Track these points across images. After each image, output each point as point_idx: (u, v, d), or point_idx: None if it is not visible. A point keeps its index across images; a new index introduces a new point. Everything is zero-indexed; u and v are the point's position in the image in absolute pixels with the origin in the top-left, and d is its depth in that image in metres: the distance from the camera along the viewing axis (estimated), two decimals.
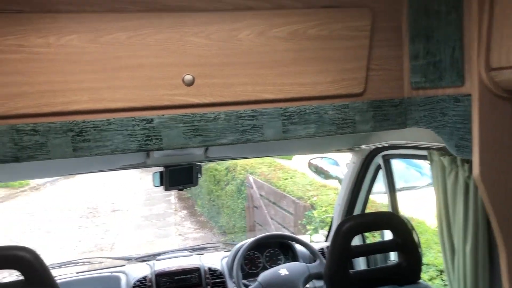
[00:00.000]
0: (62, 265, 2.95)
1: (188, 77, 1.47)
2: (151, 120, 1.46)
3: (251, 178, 8.80)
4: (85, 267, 2.99)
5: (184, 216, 11.17)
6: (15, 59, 1.32)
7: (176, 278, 2.65)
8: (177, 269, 2.70)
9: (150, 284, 2.61)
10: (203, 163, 2.52)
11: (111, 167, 2.18)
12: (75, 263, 2.97)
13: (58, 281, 2.67)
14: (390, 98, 1.67)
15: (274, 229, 7.67)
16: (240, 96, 1.52)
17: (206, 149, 2.13)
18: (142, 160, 2.14)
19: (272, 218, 8.00)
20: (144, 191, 13.24)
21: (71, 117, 1.40)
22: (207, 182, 10.61)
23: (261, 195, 8.42)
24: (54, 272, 2.94)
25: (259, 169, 8.99)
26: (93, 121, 1.41)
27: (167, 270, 2.70)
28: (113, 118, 1.43)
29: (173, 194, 12.75)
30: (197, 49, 1.46)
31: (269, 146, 2.21)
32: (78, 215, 11.50)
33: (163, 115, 1.47)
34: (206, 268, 2.75)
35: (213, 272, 2.75)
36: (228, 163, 9.73)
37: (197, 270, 2.72)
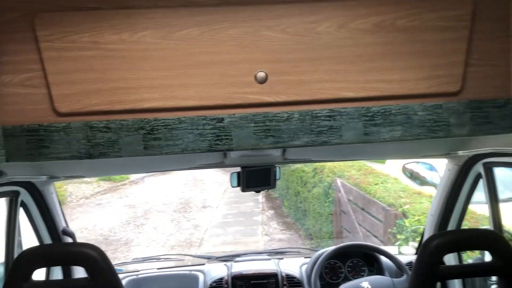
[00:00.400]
0: (145, 260, 3.04)
1: (261, 74, 1.38)
2: (221, 119, 1.40)
3: (339, 181, 8.54)
4: (167, 263, 3.05)
5: (271, 216, 11.19)
6: (90, 56, 1.33)
7: (252, 282, 2.59)
8: (254, 273, 2.63)
9: (226, 286, 2.58)
10: (282, 165, 2.42)
11: (189, 166, 2.17)
12: (157, 258, 3.04)
13: (139, 276, 2.75)
14: (493, 98, 1.43)
15: (361, 236, 7.36)
16: (316, 94, 1.40)
17: (284, 151, 2.03)
18: (219, 160, 2.10)
19: (360, 225, 7.69)
20: (233, 189, 13.48)
21: (142, 115, 1.38)
22: (294, 184, 10.52)
23: (349, 200, 8.13)
24: (137, 266, 3.05)
25: (348, 172, 8.69)
26: (164, 119, 1.38)
27: (244, 273, 2.65)
28: (184, 117, 1.39)
29: (261, 194, 12.82)
30: (272, 44, 1.37)
31: (353, 149, 2.05)
32: (172, 209, 12.04)
33: (234, 114, 1.40)
34: (283, 274, 2.66)
35: (290, 279, 2.64)
36: (316, 164, 9.55)
37: (274, 275, 2.63)
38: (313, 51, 1.38)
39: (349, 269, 2.77)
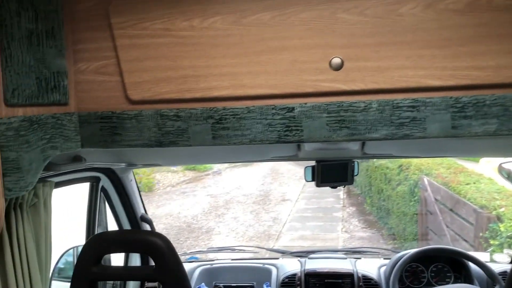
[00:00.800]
0: (220, 249, 3.06)
1: (336, 60, 1.28)
2: (292, 109, 1.32)
3: (425, 179, 8.06)
4: (241, 255, 3.04)
5: (352, 213, 10.90)
6: (161, 43, 1.32)
7: (326, 281, 2.49)
8: (328, 271, 2.53)
9: (298, 282, 2.51)
10: (361, 160, 2.28)
11: (261, 158, 2.12)
12: (231, 249, 3.05)
13: (214, 265, 2.77)
14: None
15: (449, 239, 6.89)
16: (397, 83, 1.27)
17: (363, 145, 1.90)
18: (293, 153, 2.02)
19: (447, 227, 7.20)
20: (313, 183, 13.33)
21: (211, 104, 1.35)
22: (378, 181, 10.12)
23: (436, 200, 7.64)
24: (211, 256, 3.09)
25: (436, 170, 8.16)
26: (233, 108, 1.33)
27: (318, 270, 2.56)
28: (253, 106, 1.33)
29: (342, 189, 12.55)
30: (348, 28, 1.26)
31: (439, 145, 1.86)
32: (251, 200, 12.20)
33: (305, 103, 1.31)
34: (360, 275, 2.52)
35: (367, 281, 2.50)
36: (402, 161, 9.09)
37: (350, 275, 2.51)
38: (394, 35, 1.25)
39: (433, 274, 2.56)
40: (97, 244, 1.48)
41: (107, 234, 1.64)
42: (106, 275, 1.51)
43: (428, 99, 1.27)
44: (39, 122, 1.26)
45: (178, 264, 1.45)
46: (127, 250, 1.60)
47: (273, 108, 1.32)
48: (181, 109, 1.35)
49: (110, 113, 1.37)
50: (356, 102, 1.30)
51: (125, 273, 1.55)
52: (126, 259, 2.51)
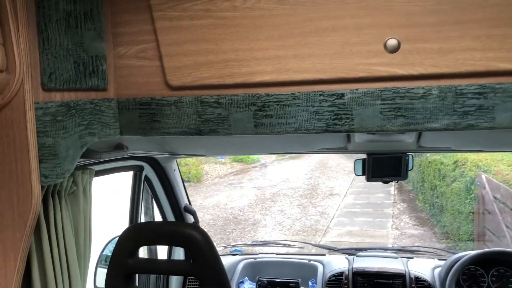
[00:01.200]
0: (265, 243, 2.99)
1: (392, 42, 1.15)
2: (341, 95, 1.20)
3: (483, 176, 7.61)
4: (286, 250, 2.96)
5: (402, 209, 10.54)
6: (202, 25, 1.24)
7: (375, 281, 2.35)
8: (378, 271, 2.39)
9: (346, 281, 2.39)
10: (415, 153, 2.12)
11: (307, 149, 2.01)
12: (276, 244, 2.96)
13: (257, 259, 2.70)
14: None
15: (509, 240, 6.47)
16: (462, 66, 1.12)
17: (419, 136, 1.75)
18: (342, 145, 1.90)
19: (507, 227, 6.76)
20: (363, 178, 13.02)
21: (254, 90, 1.26)
22: (431, 176, 9.70)
23: (495, 198, 7.21)
24: (256, 249, 3.02)
25: (495, 167, 7.70)
26: (277, 95, 1.24)
27: (367, 269, 2.42)
28: (299, 92, 1.23)
29: (393, 185, 12.19)
30: (406, 5, 1.13)
31: (509, 137, 1.68)
32: (299, 194, 12.08)
33: (356, 89, 1.20)
34: (412, 276, 2.36)
35: (420, 283, 2.34)
36: (457, 156, 8.65)
37: (401, 276, 2.36)
38: (460, 13, 1.10)
39: (494, 278, 2.36)
40: (133, 235, 1.44)
41: (142, 225, 1.59)
42: (142, 268, 1.47)
43: (498, 85, 1.12)
44: (77, 107, 1.22)
45: (216, 259, 1.37)
46: (163, 242, 1.54)
47: (320, 95, 1.21)
48: (222, 95, 1.27)
49: (149, 99, 1.32)
50: (413, 88, 1.17)
51: (162, 267, 1.49)
52: (170, 252, 2.48)
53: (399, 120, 1.19)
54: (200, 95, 1.29)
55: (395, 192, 11.81)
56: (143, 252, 2.48)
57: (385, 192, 11.72)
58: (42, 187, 1.15)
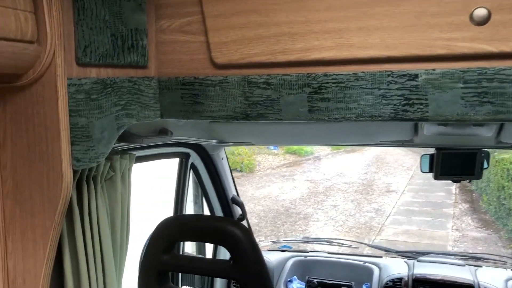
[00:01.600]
0: (316, 240, 2.82)
1: (481, 12, 0.94)
2: (414, 77, 1.01)
3: None
4: (339, 249, 2.77)
5: (464, 210, 9.95)
6: None
7: None
8: (442, 279, 2.16)
9: None
10: (492, 149, 1.86)
11: (367, 142, 1.81)
12: (329, 241, 2.79)
13: (308, 257, 2.54)
14: None
15: None
16: None
17: (499, 130, 1.51)
18: (408, 137, 1.69)
19: None
20: (421, 175, 12.46)
21: (309, 69, 1.10)
22: (498, 176, 9.05)
23: None
24: (306, 246, 2.86)
25: None
26: (336, 75, 1.07)
27: (429, 277, 2.20)
28: (362, 72, 1.05)
29: (455, 184, 11.54)
30: None
31: None
32: (353, 189, 11.74)
33: (433, 69, 1.00)
34: None
35: None
36: None
37: (469, 287, 2.11)
38: None
39: None
40: (168, 229, 1.32)
41: (179, 218, 1.47)
42: (176, 266, 1.34)
43: None
44: (114, 85, 1.11)
45: (259, 261, 1.22)
46: (201, 238, 1.41)
47: (389, 75, 1.03)
48: (272, 75, 1.12)
49: (192, 79, 1.19)
50: (505, 69, 0.96)
51: (199, 266, 1.36)
52: (215, 250, 2.37)
53: (485, 107, 0.98)
54: (248, 75, 1.14)
55: (457, 191, 11.20)
56: (191, 249, 2.38)
57: (446, 191, 11.14)
58: (75, 171, 1.05)
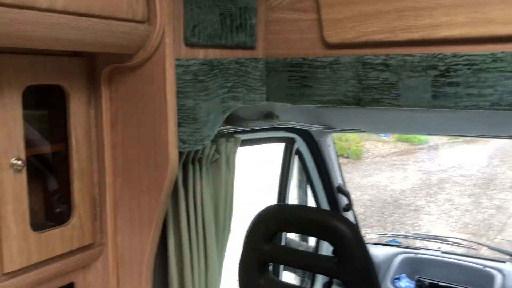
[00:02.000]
0: (428, 238, 2.61)
1: None
2: None
3: None
4: (454, 249, 2.53)
5: None
6: None
7: None
8: None
9: None
10: None
11: (498, 133, 1.58)
12: (443, 240, 2.55)
13: (418, 255, 2.36)
14: None
15: None
16: None
17: None
18: None
19: None
20: None
21: (436, 49, 0.96)
22: None
23: None
24: (418, 243, 2.65)
25: None
26: (469, 56, 0.92)
27: None
28: (502, 52, 0.89)
29: None
30: None
31: None
32: (472, 183, 10.81)
33: None
34: None
35: None
36: None
37: None
38: None
39: None
40: (270, 217, 1.27)
41: (282, 207, 1.42)
42: (278, 256, 1.30)
43: None
44: (221, 67, 1.08)
45: (366, 260, 1.12)
46: (304, 231, 1.34)
47: None
48: (391, 55, 1.00)
49: (301, 60, 1.12)
50: None
51: (301, 259, 1.30)
52: (317, 244, 2.30)
53: None
54: (363, 55, 1.03)
55: None
56: (294, 234, 2.34)
57: None
58: (181, 153, 1.05)
